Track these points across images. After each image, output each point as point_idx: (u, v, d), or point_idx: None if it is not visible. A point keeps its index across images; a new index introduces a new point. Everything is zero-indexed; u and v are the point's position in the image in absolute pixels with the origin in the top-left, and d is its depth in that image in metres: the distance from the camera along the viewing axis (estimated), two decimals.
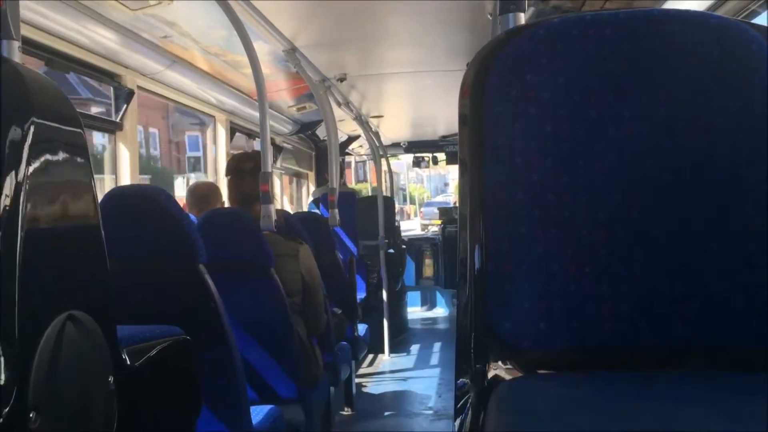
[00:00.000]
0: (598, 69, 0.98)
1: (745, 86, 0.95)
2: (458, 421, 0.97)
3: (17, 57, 1.23)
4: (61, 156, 1.01)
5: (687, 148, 0.95)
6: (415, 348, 6.09)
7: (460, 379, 0.99)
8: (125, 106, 3.01)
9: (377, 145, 5.92)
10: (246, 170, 2.67)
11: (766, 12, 2.18)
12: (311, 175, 6.52)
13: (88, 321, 1.03)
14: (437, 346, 6.14)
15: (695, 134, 0.95)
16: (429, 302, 8.02)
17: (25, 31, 2.21)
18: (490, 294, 0.95)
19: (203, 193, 3.39)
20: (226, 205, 2.96)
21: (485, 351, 0.96)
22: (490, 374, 0.95)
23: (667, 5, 2.51)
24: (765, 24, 1.02)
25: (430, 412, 4.19)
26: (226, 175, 2.79)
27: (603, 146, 0.96)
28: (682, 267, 0.94)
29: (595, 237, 0.95)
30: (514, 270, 0.95)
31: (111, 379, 1.08)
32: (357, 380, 4.55)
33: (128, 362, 1.17)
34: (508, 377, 0.94)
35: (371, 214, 5.70)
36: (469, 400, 0.95)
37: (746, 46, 0.96)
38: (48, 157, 0.98)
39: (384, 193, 5.94)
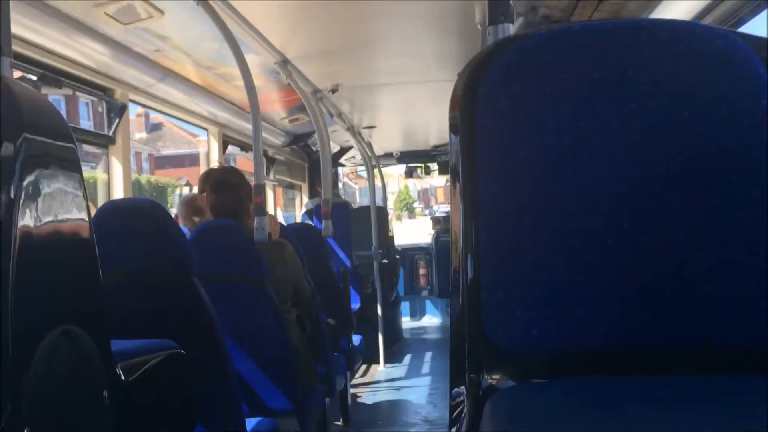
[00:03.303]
0: (586, 79, 0.99)
1: (732, 94, 0.96)
2: (453, 430, 0.97)
3: (8, 72, 1.23)
4: (53, 171, 1.01)
5: (676, 156, 0.96)
6: (409, 358, 6.08)
7: (455, 389, 0.99)
8: (117, 120, 3.01)
9: (369, 155, 5.94)
10: (209, 186, 2.63)
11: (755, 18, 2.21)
12: (304, 186, 6.53)
13: (82, 336, 1.03)
14: (431, 355, 6.14)
15: (684, 142, 0.96)
16: (420, 312, 8.02)
17: (17, 47, 2.21)
18: (483, 302, 0.96)
19: (201, 206, 3.37)
20: None
21: (479, 359, 0.96)
22: (485, 383, 0.95)
23: (655, 15, 2.54)
24: (752, 31, 1.04)
25: (426, 421, 4.18)
26: (199, 192, 2.76)
27: (592, 155, 0.97)
28: (673, 273, 0.94)
29: (587, 245, 0.95)
30: (506, 278, 0.96)
31: (105, 393, 1.08)
32: (352, 391, 4.54)
33: (123, 377, 1.17)
34: (502, 385, 0.95)
35: (364, 224, 5.70)
36: (464, 410, 0.95)
37: (732, 55, 0.97)
38: (40, 172, 0.98)
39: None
